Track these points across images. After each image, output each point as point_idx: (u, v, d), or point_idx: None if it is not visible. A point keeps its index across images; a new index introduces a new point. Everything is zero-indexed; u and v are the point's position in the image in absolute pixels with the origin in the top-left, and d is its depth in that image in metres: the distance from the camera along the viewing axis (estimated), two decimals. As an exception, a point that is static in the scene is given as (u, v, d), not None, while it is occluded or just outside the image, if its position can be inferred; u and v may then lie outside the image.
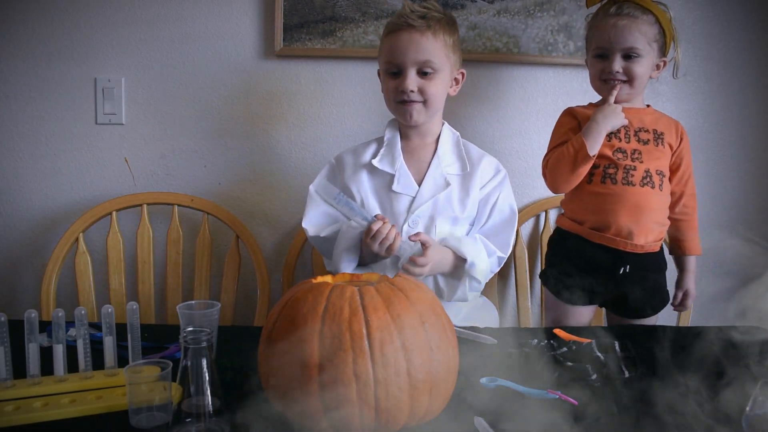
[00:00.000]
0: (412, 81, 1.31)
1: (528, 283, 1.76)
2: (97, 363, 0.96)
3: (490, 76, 1.76)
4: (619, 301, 1.48)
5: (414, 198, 1.35)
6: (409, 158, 1.39)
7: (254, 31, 1.70)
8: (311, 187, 1.41)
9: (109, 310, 0.95)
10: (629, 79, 1.41)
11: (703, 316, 1.89)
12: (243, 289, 1.76)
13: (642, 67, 1.40)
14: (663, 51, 1.43)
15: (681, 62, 1.48)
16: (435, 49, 1.30)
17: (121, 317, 0.99)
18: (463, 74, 1.41)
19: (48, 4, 1.66)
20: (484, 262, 1.34)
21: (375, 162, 1.37)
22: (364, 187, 1.38)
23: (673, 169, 1.48)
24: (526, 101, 1.78)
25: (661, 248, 1.50)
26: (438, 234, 1.35)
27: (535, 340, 1.09)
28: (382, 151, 1.39)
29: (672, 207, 1.49)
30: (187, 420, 0.77)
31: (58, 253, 1.60)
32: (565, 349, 1.05)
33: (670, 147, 1.46)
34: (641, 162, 1.42)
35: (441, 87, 1.33)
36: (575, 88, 1.78)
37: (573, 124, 1.47)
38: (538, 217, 1.83)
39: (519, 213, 1.80)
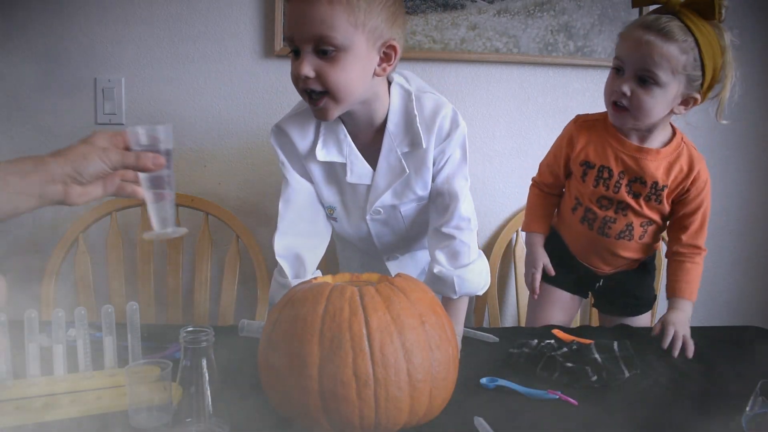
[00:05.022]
0: (307, 64, 1.00)
1: (528, 283, 1.76)
2: (97, 363, 0.96)
3: (490, 76, 1.76)
4: (602, 300, 1.46)
5: (370, 186, 1.18)
6: (356, 137, 1.16)
7: (254, 31, 1.70)
8: (286, 175, 1.19)
9: (109, 310, 0.95)
10: (633, 108, 1.19)
11: (703, 317, 1.89)
12: (243, 289, 1.76)
13: (653, 99, 1.16)
14: (698, 86, 1.17)
15: (729, 101, 1.19)
16: (333, 19, 0.97)
17: (121, 317, 0.99)
18: (394, 48, 1.05)
19: (48, 4, 1.66)
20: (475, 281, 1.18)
21: (319, 155, 1.14)
22: (317, 177, 1.19)
23: (676, 219, 1.31)
24: (526, 101, 1.78)
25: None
26: (404, 216, 1.22)
27: (535, 340, 1.09)
28: (322, 135, 1.15)
29: (669, 247, 1.33)
30: (187, 420, 0.77)
31: (58, 253, 1.60)
32: (565, 349, 1.05)
33: (672, 200, 1.28)
34: (624, 215, 1.29)
35: (350, 70, 1.01)
36: (575, 88, 1.78)
37: (565, 142, 1.34)
38: (538, 217, 1.83)
39: (519, 213, 1.80)
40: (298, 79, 1.03)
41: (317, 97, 1.04)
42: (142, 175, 0.80)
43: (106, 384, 0.92)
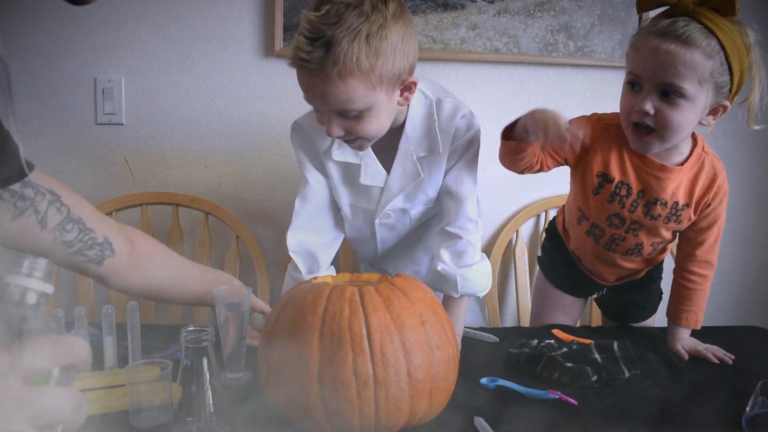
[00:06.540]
0: (335, 126, 1.03)
1: (528, 283, 1.76)
2: (97, 363, 0.96)
3: (490, 76, 1.76)
4: (606, 306, 1.45)
5: (383, 189, 1.19)
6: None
7: (254, 31, 1.70)
8: (306, 175, 1.21)
9: (110, 310, 0.96)
10: (660, 127, 1.05)
11: (704, 316, 1.89)
12: (243, 289, 1.76)
13: (681, 114, 1.03)
14: (727, 92, 1.04)
15: (758, 105, 1.05)
16: (350, 93, 0.97)
17: (122, 317, 0.99)
18: (414, 83, 1.06)
19: (49, 4, 1.66)
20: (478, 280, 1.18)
21: (335, 154, 1.16)
22: (334, 178, 1.21)
23: (690, 233, 1.20)
24: (526, 101, 1.78)
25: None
26: (412, 219, 1.23)
27: (535, 341, 1.09)
28: None
29: (679, 263, 1.22)
30: (188, 419, 0.77)
31: (58, 253, 1.60)
32: (565, 349, 1.05)
33: (690, 218, 1.17)
34: (635, 236, 1.20)
35: (377, 120, 1.04)
36: (575, 88, 1.78)
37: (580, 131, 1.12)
38: (538, 217, 1.83)
39: (519, 213, 1.80)
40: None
41: (352, 140, 1.08)
42: (223, 331, 0.96)
43: (106, 384, 0.92)
